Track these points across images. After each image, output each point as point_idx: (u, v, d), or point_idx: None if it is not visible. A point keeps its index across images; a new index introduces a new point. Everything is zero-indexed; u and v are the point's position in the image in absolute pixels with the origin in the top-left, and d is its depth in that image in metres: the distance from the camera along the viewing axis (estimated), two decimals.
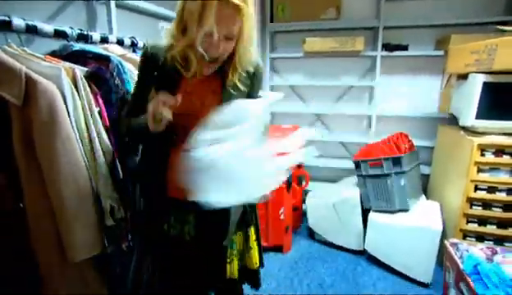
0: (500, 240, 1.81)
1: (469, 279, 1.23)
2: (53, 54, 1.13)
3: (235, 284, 1.12)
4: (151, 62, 0.91)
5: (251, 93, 1.00)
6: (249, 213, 1.11)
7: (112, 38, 1.28)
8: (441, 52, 2.35)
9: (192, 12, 0.77)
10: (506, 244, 1.57)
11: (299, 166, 2.51)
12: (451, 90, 2.17)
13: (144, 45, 0.97)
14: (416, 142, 2.23)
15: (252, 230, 1.12)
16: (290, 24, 2.65)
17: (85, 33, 1.17)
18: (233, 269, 1.07)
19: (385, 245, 2.05)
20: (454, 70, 2.07)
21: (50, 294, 1.01)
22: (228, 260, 1.05)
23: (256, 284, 1.18)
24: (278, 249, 2.28)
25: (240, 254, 1.11)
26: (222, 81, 0.93)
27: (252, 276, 1.16)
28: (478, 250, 1.39)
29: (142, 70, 0.96)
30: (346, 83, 2.77)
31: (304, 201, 2.61)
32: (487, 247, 1.41)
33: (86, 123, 0.98)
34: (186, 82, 0.90)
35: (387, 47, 2.51)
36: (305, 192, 2.61)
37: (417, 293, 1.86)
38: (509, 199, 1.80)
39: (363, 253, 2.23)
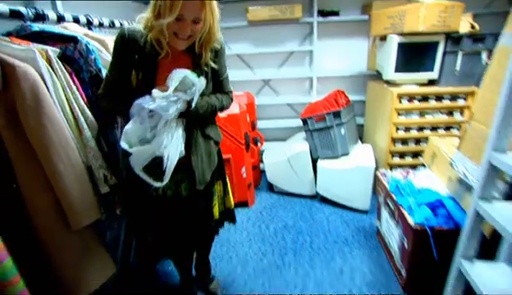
0: (414, 166, 2.33)
1: (393, 195, 1.65)
2: (10, 35, 1.12)
3: (216, 224, 1.40)
4: (131, 45, 1.02)
5: (219, 67, 1.16)
6: (222, 167, 1.36)
7: (68, 16, 1.29)
8: (366, 17, 2.69)
9: (165, 1, 0.91)
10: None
11: (254, 129, 2.76)
12: (376, 50, 2.56)
13: (121, 29, 1.04)
14: (351, 97, 2.61)
15: (227, 179, 1.38)
16: None
17: (42, 12, 1.17)
18: (216, 211, 1.32)
19: (332, 186, 2.46)
20: (376, 32, 2.44)
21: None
22: (212, 204, 1.28)
23: (233, 220, 1.51)
24: (244, 204, 2.56)
25: (220, 199, 1.35)
26: (193, 58, 1.09)
27: (230, 215, 1.46)
28: (399, 174, 1.83)
29: (121, 52, 1.04)
30: (288, 49, 3.01)
31: (261, 160, 2.89)
32: (404, 171, 1.85)
33: (68, 102, 1.05)
34: (164, 60, 1.04)
35: (322, 13, 2.77)
36: (261, 153, 2.89)
37: (359, 219, 2.33)
38: (419, 135, 2.30)
39: (315, 196, 2.63)
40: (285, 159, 2.57)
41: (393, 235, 1.72)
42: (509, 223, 0.87)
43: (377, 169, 2.28)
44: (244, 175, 2.45)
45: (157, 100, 0.94)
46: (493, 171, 0.94)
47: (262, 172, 2.95)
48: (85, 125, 1.09)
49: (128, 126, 0.97)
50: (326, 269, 1.84)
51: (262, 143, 2.86)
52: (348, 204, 2.43)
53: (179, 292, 1.67)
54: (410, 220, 1.45)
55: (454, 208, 1.41)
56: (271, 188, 2.82)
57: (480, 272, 1.00)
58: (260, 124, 3.04)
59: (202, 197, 1.24)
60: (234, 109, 2.30)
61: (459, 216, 1.36)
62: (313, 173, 2.55)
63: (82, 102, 1.09)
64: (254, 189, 2.71)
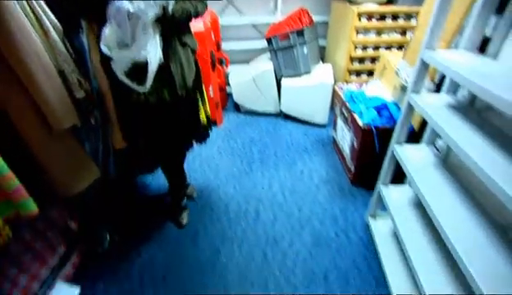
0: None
1: (347, 103, 1.87)
2: None
3: (205, 128, 1.54)
4: None
5: None
6: (199, 77, 1.42)
7: None
8: None
9: None
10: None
11: (219, 49, 2.74)
12: None
13: None
14: (315, 18, 2.64)
15: (203, 88, 1.45)
16: None
17: None
18: (203, 117, 1.44)
19: (295, 103, 2.65)
20: None
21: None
22: (198, 109, 1.39)
23: (210, 127, 1.62)
24: (213, 123, 2.68)
25: (201, 106, 1.45)
26: None
27: (209, 122, 1.58)
28: (353, 86, 2.04)
29: None
30: None
31: (227, 83, 2.94)
32: (358, 83, 2.06)
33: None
34: None
35: None
36: (227, 77, 2.93)
37: (318, 132, 2.60)
38: (374, 54, 2.48)
39: (279, 114, 2.83)
40: (250, 78, 2.66)
41: (346, 140, 2.00)
42: (431, 109, 1.10)
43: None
44: (212, 94, 2.52)
45: (135, 2, 0.94)
46: (424, 68, 1.14)
47: (229, 95, 3.03)
48: (51, 27, 1.06)
49: (106, 29, 0.97)
50: (288, 171, 2.13)
51: (227, 65, 2.87)
52: (309, 119, 2.68)
53: (160, 199, 1.87)
54: (360, 122, 1.70)
55: (396, 110, 1.67)
56: (237, 108, 2.95)
57: (406, 152, 1.28)
58: (225, 46, 3.00)
59: (186, 103, 1.32)
60: (199, 26, 2.24)
61: (398, 116, 1.62)
62: (277, 92, 2.69)
63: (41, 1, 1.04)
64: (222, 110, 2.82)
